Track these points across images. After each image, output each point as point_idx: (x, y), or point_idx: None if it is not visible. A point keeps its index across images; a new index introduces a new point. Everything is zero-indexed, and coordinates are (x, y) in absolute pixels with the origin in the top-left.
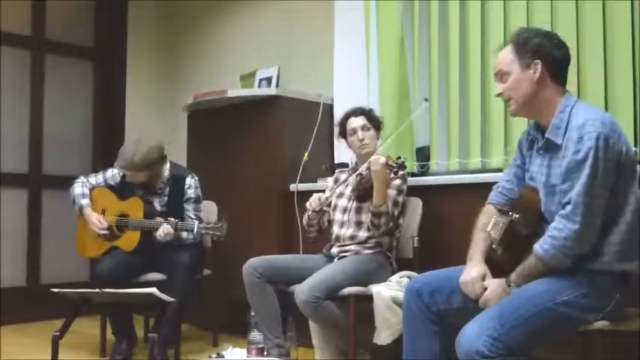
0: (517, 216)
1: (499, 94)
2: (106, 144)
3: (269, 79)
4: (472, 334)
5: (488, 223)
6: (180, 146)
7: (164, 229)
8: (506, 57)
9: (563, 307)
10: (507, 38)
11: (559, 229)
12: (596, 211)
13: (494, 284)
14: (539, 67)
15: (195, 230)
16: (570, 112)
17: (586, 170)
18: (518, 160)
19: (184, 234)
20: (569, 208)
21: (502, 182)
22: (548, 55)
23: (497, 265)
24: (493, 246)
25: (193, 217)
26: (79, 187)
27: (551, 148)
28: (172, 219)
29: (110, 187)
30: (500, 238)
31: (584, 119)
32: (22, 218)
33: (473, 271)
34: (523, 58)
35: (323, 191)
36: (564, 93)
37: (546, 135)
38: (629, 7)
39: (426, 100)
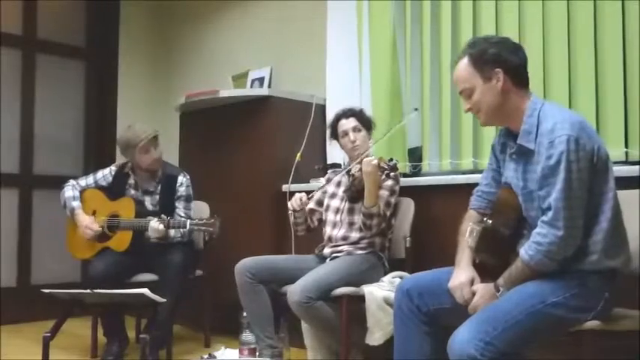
0: (490, 222)
1: (468, 110)
2: (97, 144)
3: (261, 80)
4: (464, 338)
5: None
6: (173, 146)
7: (155, 227)
8: (465, 73)
9: (554, 308)
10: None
11: (543, 234)
12: (577, 213)
13: (482, 289)
14: (500, 76)
15: (187, 227)
16: (539, 115)
17: (561, 174)
18: (494, 164)
19: (172, 232)
20: (550, 214)
21: (481, 187)
22: (507, 62)
23: (485, 268)
24: (476, 255)
25: (183, 215)
26: (70, 190)
27: (525, 154)
28: (164, 216)
29: (101, 188)
30: (477, 245)
31: (553, 123)
32: (12, 218)
33: (461, 276)
34: (483, 71)
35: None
36: (530, 96)
37: (518, 141)
38: (620, 6)
39: (415, 109)
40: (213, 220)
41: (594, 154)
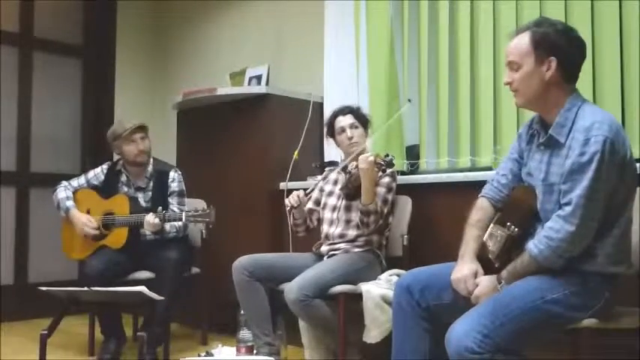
0: (516, 230)
1: (508, 83)
2: (94, 142)
3: (259, 77)
4: (462, 330)
5: (482, 220)
6: (170, 144)
7: (151, 221)
8: (521, 47)
9: (553, 304)
10: (513, 30)
11: (555, 229)
12: (594, 215)
13: (485, 281)
14: (553, 65)
15: (183, 219)
16: (577, 111)
17: (589, 173)
18: (515, 153)
19: (167, 226)
20: (568, 209)
21: (497, 176)
22: (565, 55)
23: (489, 262)
24: (490, 257)
25: (177, 210)
26: (63, 191)
27: (553, 145)
28: (159, 208)
29: (94, 188)
30: (500, 252)
31: (592, 121)
32: (9, 217)
33: (465, 268)
34: (539, 53)
35: (313, 190)
36: (573, 91)
37: (550, 132)
38: (617, 6)
39: (409, 100)
40: (208, 211)
41: (625, 159)
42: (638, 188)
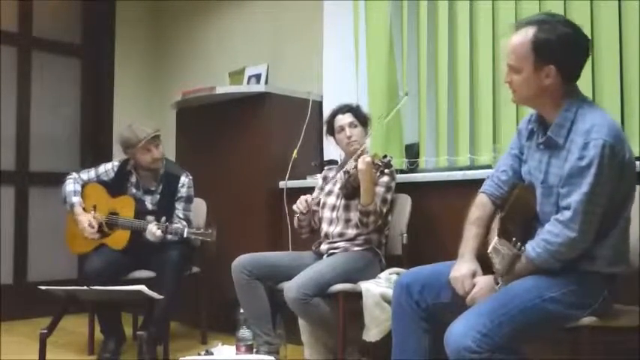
0: (523, 248)
1: (508, 82)
2: (93, 141)
3: (258, 76)
4: (461, 330)
5: (481, 217)
6: (169, 144)
7: (153, 232)
8: (521, 49)
9: (551, 303)
10: (514, 24)
11: (555, 234)
12: (595, 219)
13: (482, 282)
14: (552, 72)
15: (185, 234)
16: (576, 112)
17: (589, 178)
18: (515, 148)
19: (168, 237)
20: (567, 214)
21: (497, 172)
22: (565, 60)
23: (488, 261)
24: (495, 273)
25: (182, 216)
26: (71, 185)
27: (552, 146)
28: (163, 219)
29: (103, 183)
30: (507, 270)
31: (591, 124)
32: (9, 216)
33: (463, 267)
34: (538, 60)
35: (312, 188)
36: (573, 90)
37: (549, 132)
38: (617, 6)
39: (406, 94)
40: (210, 231)
41: (625, 162)
42: (638, 187)
